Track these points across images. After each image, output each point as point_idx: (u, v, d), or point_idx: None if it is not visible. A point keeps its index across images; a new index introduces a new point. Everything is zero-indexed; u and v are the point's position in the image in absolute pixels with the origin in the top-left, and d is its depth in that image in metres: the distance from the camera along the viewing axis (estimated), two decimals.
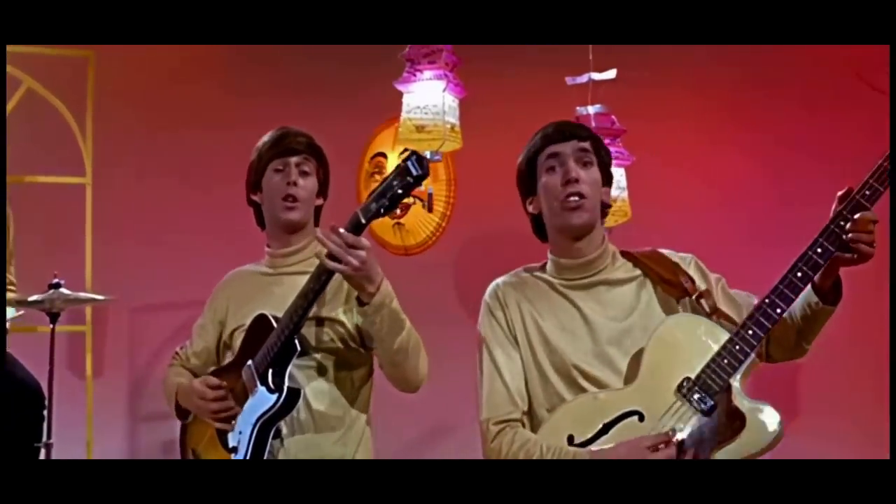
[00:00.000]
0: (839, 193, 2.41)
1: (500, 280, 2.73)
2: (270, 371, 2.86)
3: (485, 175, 4.50)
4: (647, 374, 2.50)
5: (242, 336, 2.99)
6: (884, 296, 3.92)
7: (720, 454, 2.38)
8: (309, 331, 2.92)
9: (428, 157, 3.74)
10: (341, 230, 2.64)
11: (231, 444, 2.91)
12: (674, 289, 2.60)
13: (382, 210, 2.60)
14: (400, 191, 2.56)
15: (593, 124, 3.96)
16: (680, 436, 2.42)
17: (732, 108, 4.75)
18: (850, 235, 2.38)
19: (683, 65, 4.64)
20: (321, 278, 2.76)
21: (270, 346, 2.86)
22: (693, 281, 2.59)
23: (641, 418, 2.47)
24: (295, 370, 2.88)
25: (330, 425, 2.93)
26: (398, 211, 4.37)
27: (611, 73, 4.10)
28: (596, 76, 4.13)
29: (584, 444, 2.48)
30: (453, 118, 3.86)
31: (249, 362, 2.91)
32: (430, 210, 4.16)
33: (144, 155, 4.81)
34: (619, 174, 4.16)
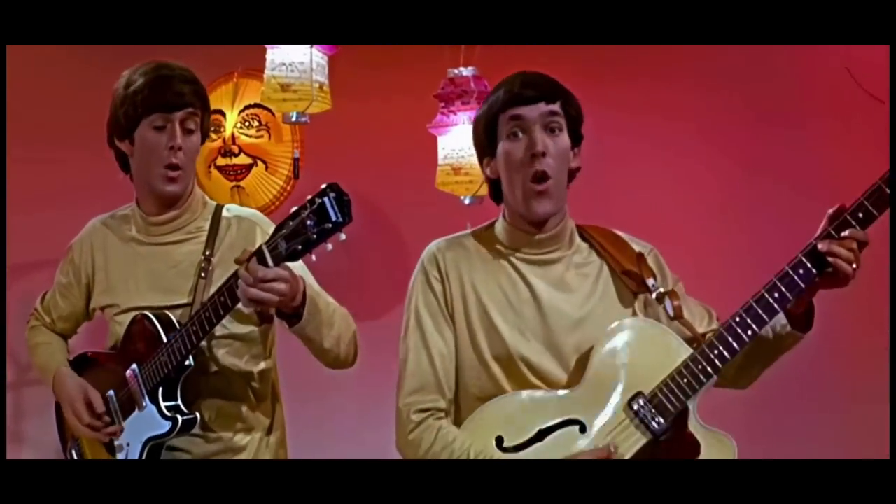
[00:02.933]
0: (830, 211, 2.24)
1: (440, 242, 2.44)
2: (161, 390, 2.59)
3: (335, 137, 4.26)
4: (595, 381, 2.27)
5: (123, 329, 2.68)
6: (884, 295, 3.93)
7: None
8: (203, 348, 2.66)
9: (294, 119, 3.48)
10: (254, 267, 2.32)
11: (118, 454, 2.68)
12: (632, 281, 2.36)
13: (295, 255, 2.26)
14: (315, 236, 2.22)
15: (473, 87, 3.78)
16: (624, 455, 2.21)
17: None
18: (828, 248, 2.19)
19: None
20: (224, 309, 2.48)
21: (161, 363, 2.58)
22: (655, 277, 2.36)
23: (583, 429, 2.25)
24: (192, 383, 2.64)
25: (233, 442, 2.71)
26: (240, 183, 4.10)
27: None
28: None
29: (515, 449, 2.24)
30: (322, 76, 3.58)
31: (135, 368, 2.62)
32: (296, 177, 3.88)
33: None
34: None
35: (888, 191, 2.19)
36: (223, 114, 4.08)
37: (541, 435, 2.25)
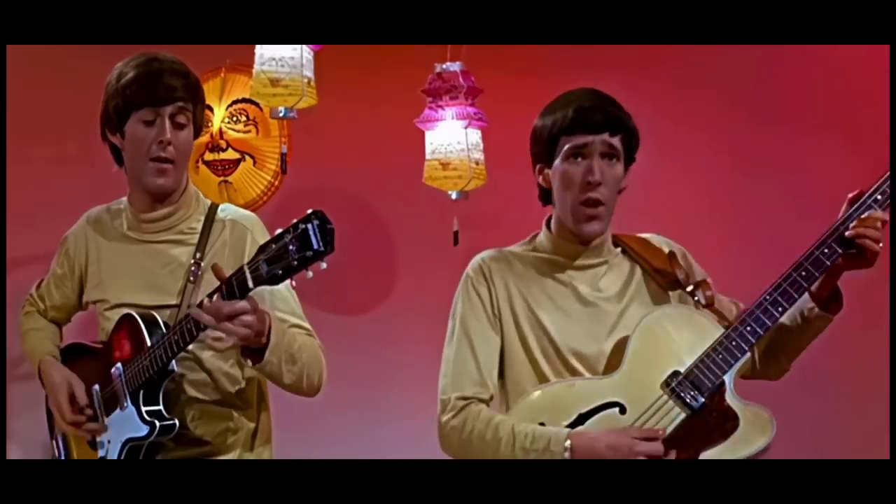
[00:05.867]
0: (850, 195, 2.35)
1: (484, 254, 2.53)
2: (142, 394, 2.58)
3: (322, 131, 4.26)
4: (632, 365, 2.36)
5: (111, 325, 2.68)
6: (884, 294, 3.94)
7: (708, 455, 2.28)
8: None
9: (282, 115, 3.46)
10: (220, 303, 2.31)
11: (100, 451, 2.68)
12: (664, 279, 2.48)
13: (275, 280, 2.24)
14: (295, 263, 2.19)
15: (461, 82, 3.78)
16: (668, 432, 2.29)
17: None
18: (854, 231, 2.30)
19: None
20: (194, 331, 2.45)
21: (143, 367, 2.56)
22: (685, 272, 2.47)
23: (623, 410, 2.33)
24: (174, 388, 2.64)
25: (215, 444, 2.71)
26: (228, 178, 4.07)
27: None
28: None
29: None
30: (310, 72, 3.55)
31: (120, 368, 2.61)
32: (284, 172, 3.86)
33: None
34: (477, 136, 4.02)
35: None
36: (211, 109, 4.05)
37: (581, 419, 2.34)
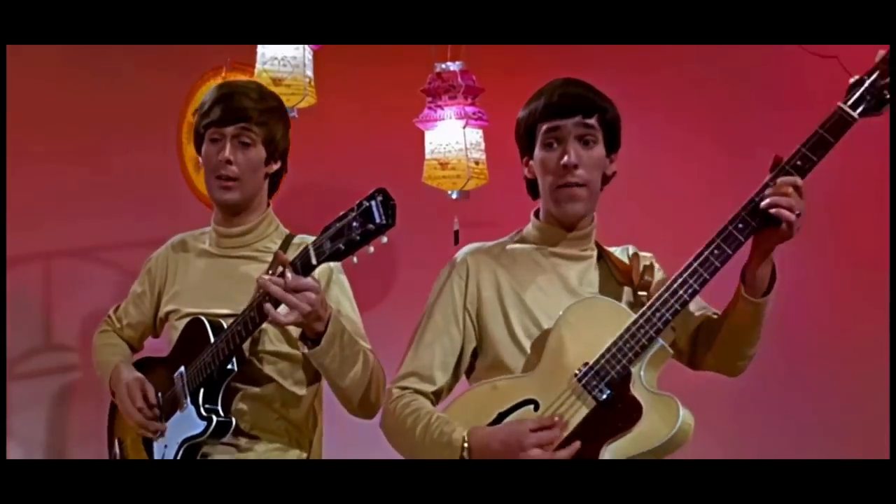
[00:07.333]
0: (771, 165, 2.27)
1: (469, 247, 2.55)
2: (202, 392, 2.64)
3: (322, 131, 4.25)
4: (548, 360, 2.34)
5: (178, 333, 2.75)
6: (883, 294, 3.93)
7: (614, 447, 2.23)
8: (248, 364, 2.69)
9: None
10: (288, 274, 2.38)
11: (156, 455, 2.71)
12: (622, 275, 2.46)
13: (338, 255, 2.32)
14: (358, 237, 2.27)
15: (460, 81, 3.79)
16: (571, 423, 2.25)
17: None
18: (767, 201, 2.22)
19: None
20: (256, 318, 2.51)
21: (205, 364, 2.62)
22: (640, 273, 2.44)
23: (537, 407, 2.31)
24: (234, 392, 2.68)
25: (264, 457, 2.73)
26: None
27: None
28: None
29: None
30: (310, 71, 3.57)
31: (182, 370, 2.67)
32: (284, 171, 3.84)
33: None
34: (477, 135, 4.03)
35: (829, 137, 2.23)
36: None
37: (500, 418, 2.33)
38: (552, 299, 2.42)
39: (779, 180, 2.24)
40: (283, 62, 3.49)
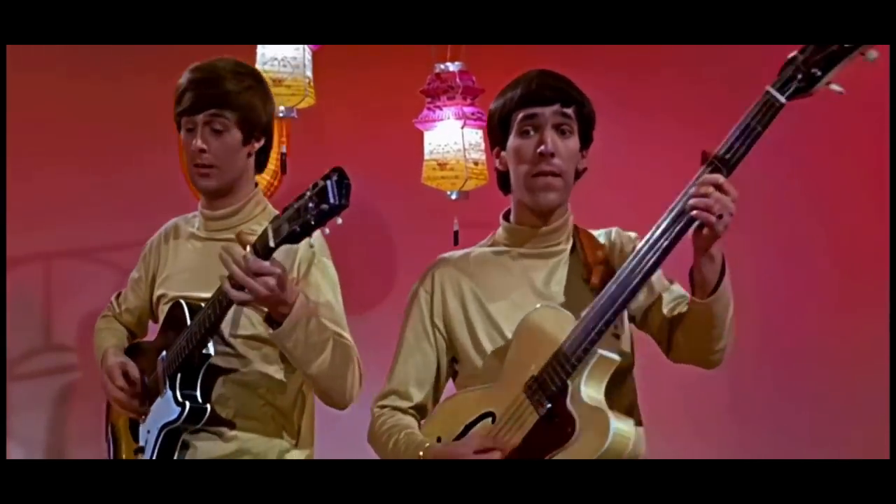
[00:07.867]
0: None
1: (439, 258, 2.52)
2: (179, 377, 2.62)
3: (321, 132, 4.26)
4: (507, 371, 2.30)
5: (163, 316, 2.76)
6: (884, 294, 3.93)
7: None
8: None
9: (282, 114, 3.48)
10: (249, 257, 2.35)
11: (140, 441, 2.71)
12: (587, 271, 2.38)
13: (294, 237, 2.29)
14: (313, 220, 2.23)
15: (459, 82, 3.80)
16: (517, 437, 2.21)
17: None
18: (687, 203, 2.14)
19: None
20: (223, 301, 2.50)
21: (181, 348, 2.60)
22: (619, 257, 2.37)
23: (494, 419, 2.27)
24: (215, 377, 2.65)
25: (250, 445, 2.70)
26: None
27: None
28: None
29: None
30: (310, 72, 3.57)
31: (164, 354, 2.66)
32: (283, 172, 3.86)
33: None
34: (476, 136, 4.02)
35: (755, 125, 2.12)
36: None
37: (465, 429, 2.31)
38: (518, 305, 2.36)
39: (700, 180, 2.16)
40: (282, 63, 3.49)
